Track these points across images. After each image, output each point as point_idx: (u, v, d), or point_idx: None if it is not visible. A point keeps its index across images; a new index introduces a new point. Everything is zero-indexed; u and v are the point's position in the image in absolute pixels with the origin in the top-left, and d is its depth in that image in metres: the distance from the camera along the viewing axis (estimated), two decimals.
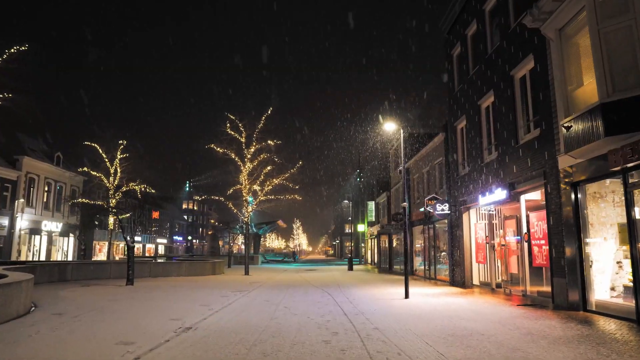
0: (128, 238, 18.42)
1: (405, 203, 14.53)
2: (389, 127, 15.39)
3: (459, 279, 18.81)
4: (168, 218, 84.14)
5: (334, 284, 19.96)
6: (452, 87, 20.26)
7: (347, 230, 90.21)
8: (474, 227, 18.20)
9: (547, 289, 12.91)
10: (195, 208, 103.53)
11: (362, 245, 62.42)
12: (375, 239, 43.48)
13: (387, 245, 36.82)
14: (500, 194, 14.56)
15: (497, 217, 16.85)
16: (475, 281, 18.11)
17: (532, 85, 13.13)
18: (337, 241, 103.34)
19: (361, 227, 54.65)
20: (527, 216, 13.76)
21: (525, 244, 13.84)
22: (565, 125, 9.71)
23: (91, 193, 39.77)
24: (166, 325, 9.00)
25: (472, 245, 18.31)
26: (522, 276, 14.98)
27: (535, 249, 12.95)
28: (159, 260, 40.56)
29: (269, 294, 15.52)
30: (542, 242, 12.51)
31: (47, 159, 43.46)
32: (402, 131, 15.00)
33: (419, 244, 27.29)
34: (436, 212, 19.44)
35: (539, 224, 12.80)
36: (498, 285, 16.41)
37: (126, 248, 18.72)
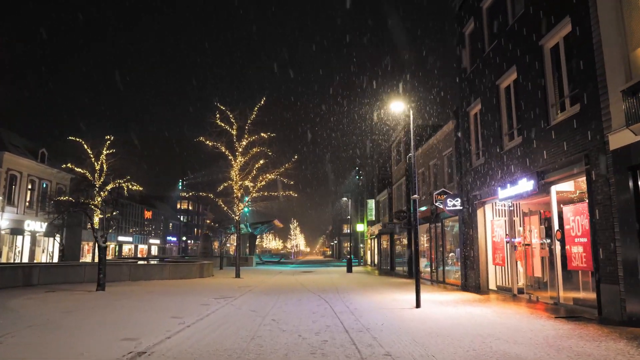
0: (99, 237, 16.29)
1: (415, 195, 12.43)
2: (396, 107, 13.27)
3: (472, 283, 16.72)
4: (161, 218, 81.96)
5: (331, 289, 17.85)
6: (463, 69, 18.18)
7: (346, 230, 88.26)
8: (491, 224, 16.11)
9: (586, 296, 10.86)
10: (190, 208, 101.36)
11: (361, 245, 60.31)
12: (376, 239, 41.36)
13: (388, 245, 34.72)
14: (525, 185, 12.48)
15: (517, 213, 14.82)
16: (492, 286, 16.03)
17: (568, 54, 11.06)
18: (335, 242, 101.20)
19: (360, 227, 52.51)
20: (560, 210, 11.69)
21: (557, 243, 11.76)
22: (627, 89, 7.62)
23: (77, 191, 37.59)
24: (114, 348, 6.90)
25: (487, 245, 16.23)
26: (550, 281, 12.93)
27: (571, 248, 10.87)
28: (151, 262, 38.36)
29: (257, 302, 13.42)
30: (582, 240, 10.43)
31: (31, 155, 41.23)
32: (410, 111, 12.88)
33: (424, 244, 25.19)
34: (447, 208, 17.34)
35: (576, 219, 10.72)
36: (520, 291, 14.34)
37: (98, 248, 16.56)
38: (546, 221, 13.53)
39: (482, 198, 16.04)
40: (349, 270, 32.36)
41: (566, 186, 11.88)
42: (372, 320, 9.59)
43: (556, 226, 11.82)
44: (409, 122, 29.20)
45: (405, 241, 28.82)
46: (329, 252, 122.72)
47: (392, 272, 32.33)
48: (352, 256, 38.06)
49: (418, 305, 11.56)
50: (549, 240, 12.68)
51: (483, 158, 16.03)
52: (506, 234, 14.85)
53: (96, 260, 42.95)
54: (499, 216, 15.74)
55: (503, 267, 15.37)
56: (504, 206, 15.67)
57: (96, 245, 37.45)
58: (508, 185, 13.59)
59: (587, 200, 10.26)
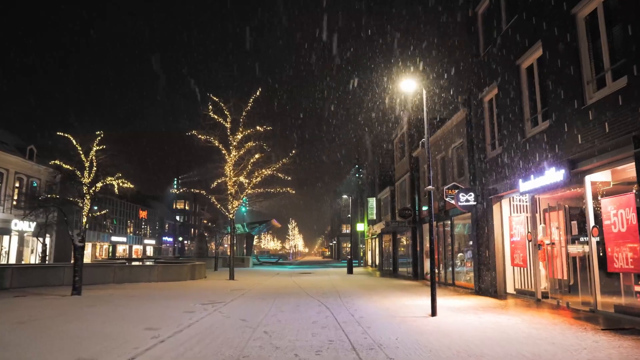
0: (74, 236, 14.70)
1: (430, 186, 10.88)
2: (407, 86, 11.68)
3: (487, 286, 15.19)
4: (157, 218, 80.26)
5: (332, 292, 16.30)
6: (476, 52, 16.63)
7: (345, 230, 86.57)
8: (509, 221, 14.57)
9: (631, 302, 9.37)
10: (187, 208, 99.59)
11: (362, 246, 58.77)
12: (377, 239, 39.79)
13: (390, 245, 33.16)
14: (553, 175, 10.94)
15: (537, 209, 13.31)
16: (510, 289, 14.49)
17: (609, 21, 9.53)
18: (334, 242, 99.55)
19: (360, 227, 50.91)
20: (597, 204, 10.17)
21: (593, 242, 10.21)
22: None
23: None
24: None
25: (505, 244, 14.69)
26: (581, 284, 11.44)
27: (614, 247, 9.33)
28: (140, 263, 36.75)
29: (248, 308, 11.86)
30: (628, 238, 8.89)
31: (19, 152, 39.65)
32: (424, 91, 11.32)
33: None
34: (459, 204, 15.78)
35: (619, 213, 9.17)
36: (544, 295, 12.81)
37: (74, 248, 14.95)
38: (576, 216, 12.05)
39: (499, 192, 14.50)
40: (350, 271, 30.84)
41: (602, 176, 10.36)
42: (383, 333, 8.04)
43: (592, 222, 10.27)
44: (411, 115, 27.76)
45: (409, 241, 27.29)
46: (328, 253, 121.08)
47: (395, 273, 30.78)
48: (351, 256, 36.49)
49: (434, 313, 10.01)
50: (582, 238, 11.17)
51: (500, 148, 14.49)
52: (528, 232, 13.31)
53: (86, 261, 41.34)
54: (518, 212, 14.22)
55: (523, 269, 13.84)
56: (521, 201, 14.19)
57: (88, 245, 35.76)
58: (531, 176, 12.04)
59: (634, 191, 8.75)
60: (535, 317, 9.77)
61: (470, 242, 17.48)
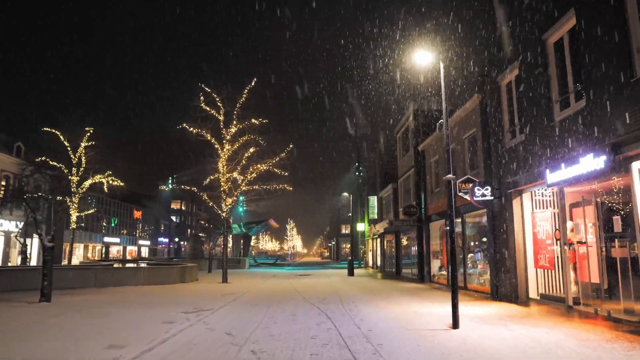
0: (43, 235, 13.09)
1: (450, 175, 9.32)
2: (422, 58, 10.07)
3: (507, 291, 13.61)
4: (152, 218, 78.56)
5: (334, 297, 14.71)
6: (490, 32, 15.07)
7: (344, 230, 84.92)
8: (531, 217, 13.01)
9: None
10: (183, 208, 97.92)
11: (362, 247, 57.16)
12: (378, 239, 38.19)
13: (393, 246, 31.56)
14: (591, 162, 9.36)
15: (565, 203, 11.74)
16: (533, 294, 12.91)
17: None
18: (333, 242, 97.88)
19: (360, 227, 49.28)
20: None
21: None
22: None
23: (53, 185, 34.52)
24: None
25: (527, 244, 13.12)
26: (623, 290, 9.87)
27: None
28: (129, 265, 35.12)
29: (238, 318, 10.26)
30: None
31: (5, 149, 38.08)
32: (441, 64, 9.75)
33: (437, 244, 22.06)
34: (475, 198, 14.20)
35: None
36: (575, 301, 11.23)
37: (43, 249, 13.30)
38: (608, 212, 10.49)
39: (520, 185, 12.92)
40: (351, 273, 29.22)
41: None
42: (399, 353, 6.45)
43: None
44: (414, 108, 26.18)
45: (413, 241, 25.72)
46: (327, 254, 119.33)
47: (398, 275, 29.18)
48: (352, 257, 34.92)
49: (455, 325, 8.43)
50: (623, 237, 9.62)
51: (522, 135, 12.92)
52: (556, 229, 11.73)
53: (75, 262, 39.70)
54: (542, 207, 12.65)
55: (549, 272, 12.27)
56: (544, 196, 12.64)
57: (74, 245, 34.06)
58: (562, 165, 10.46)
59: None
60: (577, 330, 8.20)
61: (484, 241, 15.93)
